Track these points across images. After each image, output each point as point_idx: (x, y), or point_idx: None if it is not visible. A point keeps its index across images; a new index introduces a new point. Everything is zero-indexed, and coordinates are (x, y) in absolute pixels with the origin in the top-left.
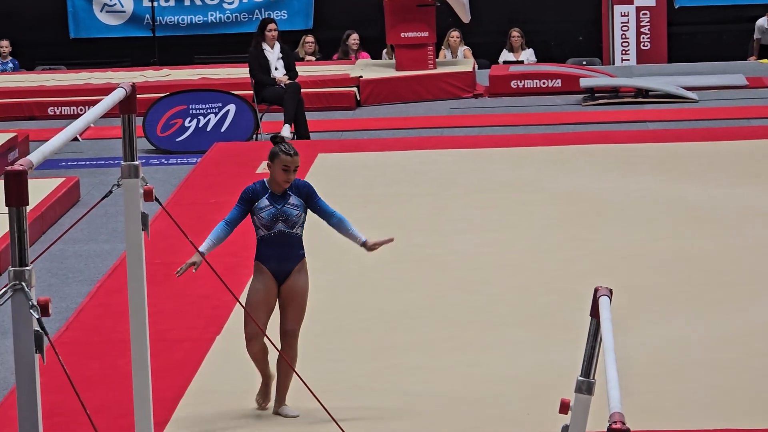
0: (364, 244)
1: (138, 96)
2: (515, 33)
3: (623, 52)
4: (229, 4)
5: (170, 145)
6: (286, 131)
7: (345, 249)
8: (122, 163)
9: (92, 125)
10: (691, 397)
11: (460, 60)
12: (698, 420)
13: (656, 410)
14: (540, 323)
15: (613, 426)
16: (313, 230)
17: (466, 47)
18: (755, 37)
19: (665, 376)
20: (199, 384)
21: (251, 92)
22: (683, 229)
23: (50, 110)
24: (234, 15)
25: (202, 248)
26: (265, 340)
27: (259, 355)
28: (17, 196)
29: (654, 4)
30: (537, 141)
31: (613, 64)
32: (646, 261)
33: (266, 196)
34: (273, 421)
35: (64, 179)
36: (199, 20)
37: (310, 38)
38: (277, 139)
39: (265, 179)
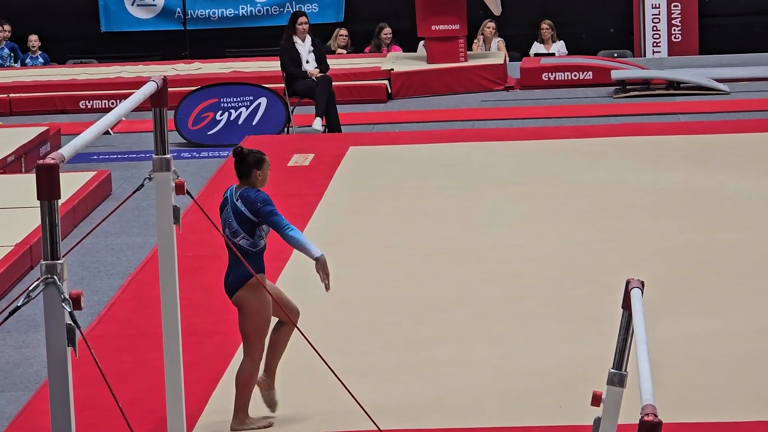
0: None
1: (169, 89)
2: (546, 25)
3: (654, 44)
4: None
5: (202, 138)
6: (318, 124)
7: (374, 242)
8: (154, 156)
9: (124, 119)
10: (723, 389)
11: (491, 53)
12: (730, 412)
13: (688, 402)
14: (571, 316)
15: (646, 418)
16: (344, 223)
17: (499, 39)
18: None
19: (697, 368)
20: (230, 377)
21: (282, 85)
22: (715, 221)
23: (82, 104)
24: (265, 8)
25: (317, 253)
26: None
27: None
28: (49, 190)
29: None
30: (568, 133)
31: (645, 56)
32: (678, 253)
33: None
34: (304, 412)
35: (95, 173)
36: (230, 13)
37: (343, 31)
38: (238, 149)
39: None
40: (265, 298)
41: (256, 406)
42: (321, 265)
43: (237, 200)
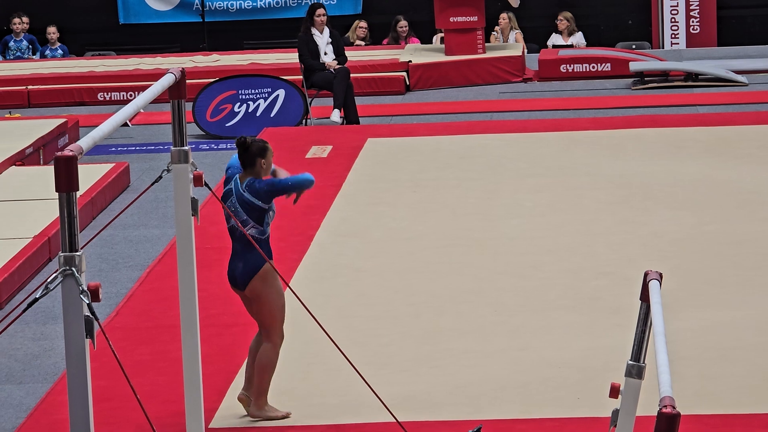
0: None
1: (187, 81)
2: (564, 17)
3: (672, 35)
4: None
5: (220, 130)
6: (336, 116)
7: (393, 234)
8: (172, 148)
9: (142, 111)
10: (742, 380)
11: (509, 44)
12: (750, 404)
13: (707, 394)
14: (590, 307)
15: (664, 410)
16: (362, 215)
17: (518, 31)
18: None
19: (716, 359)
20: None
21: (301, 77)
22: (733, 212)
23: (100, 96)
24: (283, 0)
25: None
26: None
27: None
28: (67, 182)
29: None
30: (587, 125)
31: (663, 47)
32: (697, 245)
33: None
34: (321, 403)
35: (114, 164)
36: (248, 5)
37: (363, 23)
38: (241, 139)
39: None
40: (278, 285)
41: (275, 397)
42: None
43: (244, 191)
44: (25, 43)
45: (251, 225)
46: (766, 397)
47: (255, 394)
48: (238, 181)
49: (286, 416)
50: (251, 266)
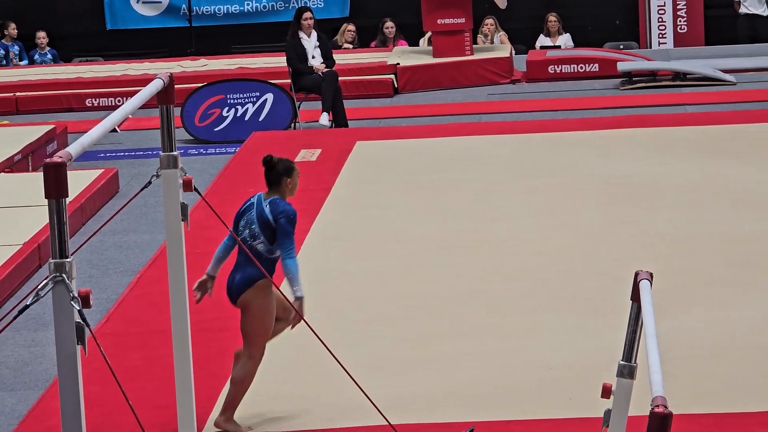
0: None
1: (175, 86)
2: (552, 18)
3: (660, 35)
4: None
5: (208, 135)
6: (324, 119)
7: (383, 236)
8: (161, 153)
9: (130, 116)
10: (734, 380)
11: (497, 46)
12: (743, 403)
13: (699, 393)
14: (582, 308)
15: (656, 410)
16: (352, 218)
17: (502, 33)
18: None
19: (708, 359)
20: None
21: (289, 81)
22: (724, 212)
23: (88, 102)
24: (270, 4)
25: (299, 293)
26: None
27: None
28: (57, 188)
29: None
30: (575, 126)
31: (650, 47)
32: (688, 244)
33: None
34: (312, 408)
35: (103, 170)
36: (235, 10)
37: (351, 26)
38: (268, 157)
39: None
40: (271, 304)
41: (267, 402)
42: (298, 305)
43: (266, 206)
44: (17, 48)
45: (261, 241)
46: (759, 396)
47: (223, 406)
48: (262, 197)
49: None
50: (248, 278)
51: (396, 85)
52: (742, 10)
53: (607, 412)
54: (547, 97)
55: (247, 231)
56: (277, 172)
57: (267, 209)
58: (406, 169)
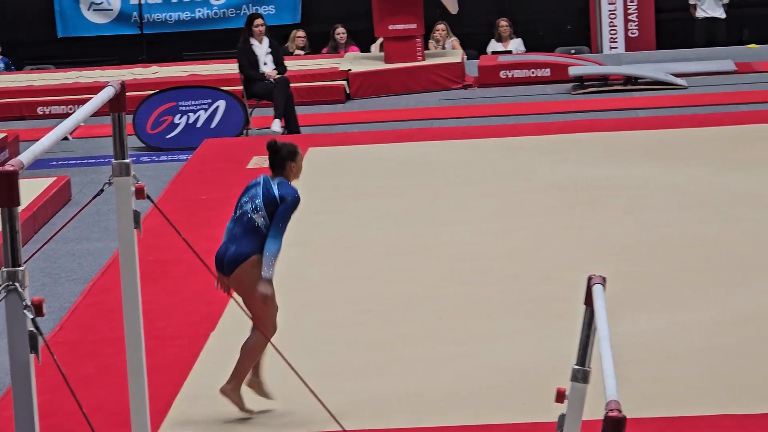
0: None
1: (127, 94)
2: (503, 23)
3: (611, 40)
4: (217, 0)
5: (161, 142)
6: (277, 126)
7: (336, 242)
8: (113, 161)
9: (82, 124)
10: (687, 383)
11: (448, 51)
12: (695, 406)
13: (653, 397)
14: (535, 312)
15: (610, 414)
16: (305, 224)
17: (454, 38)
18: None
19: (662, 362)
20: (194, 381)
21: (241, 88)
22: (675, 215)
23: (39, 110)
24: (221, 11)
25: (267, 274)
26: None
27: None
28: (9, 197)
29: None
30: (527, 131)
31: (602, 52)
32: (640, 248)
33: None
34: (267, 417)
35: (55, 179)
36: (186, 17)
37: (301, 33)
38: (272, 142)
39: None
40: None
41: (220, 406)
42: (264, 285)
43: (274, 185)
44: None
45: (261, 214)
46: (713, 400)
47: (233, 374)
48: (268, 177)
49: (247, 413)
50: (243, 251)
51: (348, 91)
52: (700, 13)
53: (562, 417)
54: (499, 102)
55: (249, 204)
56: (281, 157)
57: (275, 187)
58: (358, 175)
